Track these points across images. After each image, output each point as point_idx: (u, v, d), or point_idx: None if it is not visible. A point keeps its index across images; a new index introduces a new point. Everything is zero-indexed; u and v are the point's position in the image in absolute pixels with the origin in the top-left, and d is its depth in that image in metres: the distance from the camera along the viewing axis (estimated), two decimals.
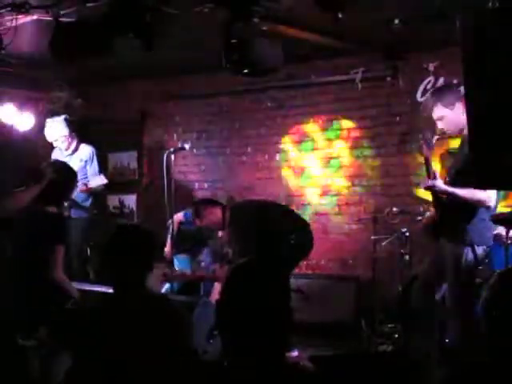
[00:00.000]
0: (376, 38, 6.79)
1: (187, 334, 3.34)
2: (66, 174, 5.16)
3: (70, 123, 7.72)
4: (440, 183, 5.04)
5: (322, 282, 7.60)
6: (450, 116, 5.01)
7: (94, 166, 7.80)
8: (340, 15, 3.99)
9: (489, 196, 4.88)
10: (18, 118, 8.26)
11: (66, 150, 7.74)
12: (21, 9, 5.21)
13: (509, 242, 5.46)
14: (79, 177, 7.32)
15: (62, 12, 5.13)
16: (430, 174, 5.06)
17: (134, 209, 9.36)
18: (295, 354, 5.28)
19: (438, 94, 5.24)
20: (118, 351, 3.13)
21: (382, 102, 7.63)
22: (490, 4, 3.44)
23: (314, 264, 8.11)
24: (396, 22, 6.01)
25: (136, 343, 3.14)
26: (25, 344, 4.61)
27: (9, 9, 5.22)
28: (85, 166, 7.70)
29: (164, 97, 9.16)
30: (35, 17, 5.33)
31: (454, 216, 5.04)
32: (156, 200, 9.07)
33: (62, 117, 7.73)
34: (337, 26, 4.23)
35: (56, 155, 7.80)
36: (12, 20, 5.24)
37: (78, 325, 3.33)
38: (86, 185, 7.47)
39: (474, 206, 4.95)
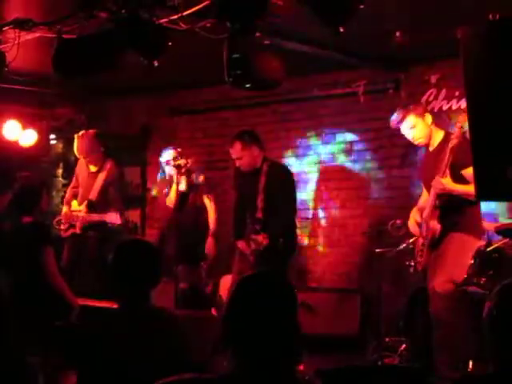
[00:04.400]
0: (378, 51, 6.81)
1: (192, 348, 3.33)
2: (36, 182, 5.21)
3: (99, 139, 7.51)
4: (449, 182, 5.20)
5: (327, 295, 7.58)
6: (422, 125, 5.44)
7: (117, 191, 7.50)
8: (341, 29, 3.99)
9: None
10: (21, 135, 8.31)
11: (95, 166, 7.49)
12: (24, 26, 5.24)
13: None
14: (98, 198, 7.30)
15: (64, 29, 5.15)
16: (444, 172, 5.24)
17: (138, 224, 9.38)
18: (301, 367, 5.27)
19: (410, 105, 5.61)
20: (122, 367, 3.13)
21: (384, 115, 7.61)
22: (491, 16, 3.44)
23: (318, 277, 8.10)
24: (397, 34, 6.04)
25: (141, 359, 3.14)
26: (30, 360, 4.61)
27: (12, 26, 5.26)
28: (108, 188, 7.38)
29: (167, 111, 9.19)
30: (38, 34, 5.36)
31: (451, 212, 5.32)
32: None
33: (92, 132, 7.50)
34: (338, 40, 4.24)
35: (81, 166, 7.64)
36: (15, 37, 5.27)
37: (83, 340, 3.33)
38: (101, 217, 7.19)
39: (469, 202, 5.18)
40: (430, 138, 5.50)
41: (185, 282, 6.93)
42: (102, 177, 7.41)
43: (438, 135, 5.48)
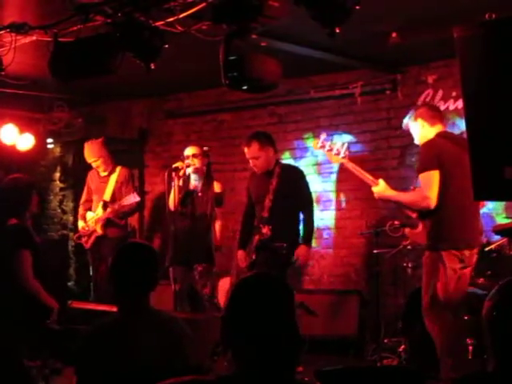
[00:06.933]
0: (374, 52, 6.81)
1: (192, 351, 3.33)
2: (24, 184, 5.19)
3: (107, 145, 7.78)
4: (380, 190, 5.18)
5: (325, 296, 7.58)
6: (415, 129, 5.39)
7: (130, 189, 7.70)
8: (337, 30, 4.00)
9: (424, 197, 5.02)
10: (18, 139, 8.31)
11: (104, 171, 7.78)
12: (20, 30, 5.24)
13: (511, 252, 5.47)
14: (112, 198, 7.58)
15: (61, 32, 5.15)
16: (369, 181, 5.25)
17: (136, 227, 9.37)
18: (300, 369, 5.27)
19: (412, 111, 5.55)
20: (122, 370, 3.13)
21: (381, 116, 7.64)
22: (487, 16, 3.45)
23: (316, 279, 8.10)
24: (394, 35, 6.04)
25: (140, 361, 3.13)
26: (29, 364, 4.61)
27: (8, 30, 5.26)
28: (120, 188, 7.68)
29: (164, 114, 9.20)
30: (34, 38, 5.36)
31: (424, 222, 5.22)
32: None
33: (100, 139, 7.77)
34: (335, 41, 4.24)
35: (92, 176, 7.93)
36: (12, 41, 5.27)
37: (83, 344, 3.33)
38: (119, 205, 7.52)
39: (434, 211, 5.04)
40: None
41: (179, 284, 6.91)
42: (114, 178, 7.74)
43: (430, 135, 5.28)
